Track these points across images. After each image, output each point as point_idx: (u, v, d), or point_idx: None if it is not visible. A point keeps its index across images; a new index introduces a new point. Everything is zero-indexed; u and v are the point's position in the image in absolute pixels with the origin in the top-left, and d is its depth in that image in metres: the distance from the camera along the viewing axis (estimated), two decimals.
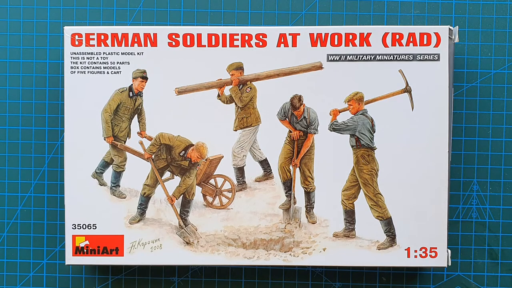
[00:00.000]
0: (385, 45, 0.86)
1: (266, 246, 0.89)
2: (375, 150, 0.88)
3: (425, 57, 0.86)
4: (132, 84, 0.88)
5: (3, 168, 0.94)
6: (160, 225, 0.89)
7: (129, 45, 0.87)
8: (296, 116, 0.89)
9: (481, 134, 0.93)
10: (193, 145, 0.89)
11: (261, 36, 0.87)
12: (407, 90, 0.87)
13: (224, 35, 0.87)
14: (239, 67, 0.88)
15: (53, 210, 0.95)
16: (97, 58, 0.87)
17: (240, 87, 0.90)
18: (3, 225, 0.95)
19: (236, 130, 0.90)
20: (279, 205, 0.90)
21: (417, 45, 0.86)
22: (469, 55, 0.93)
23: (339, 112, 0.88)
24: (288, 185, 0.91)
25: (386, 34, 0.86)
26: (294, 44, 0.87)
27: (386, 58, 0.87)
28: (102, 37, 0.87)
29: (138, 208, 0.89)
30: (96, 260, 0.88)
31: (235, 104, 0.90)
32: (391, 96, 0.87)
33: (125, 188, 0.90)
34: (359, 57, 0.87)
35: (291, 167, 0.90)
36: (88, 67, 0.87)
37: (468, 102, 0.93)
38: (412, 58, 0.86)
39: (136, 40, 0.87)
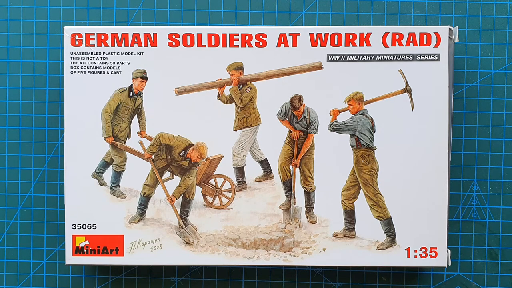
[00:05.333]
0: (385, 45, 0.86)
1: (266, 246, 0.89)
2: (375, 150, 0.88)
3: (425, 57, 0.86)
4: (132, 84, 0.88)
5: (3, 168, 0.94)
6: (160, 225, 0.89)
7: (129, 45, 0.87)
8: (296, 116, 0.89)
9: (481, 134, 0.93)
10: (193, 145, 0.89)
11: (261, 36, 0.87)
12: (407, 90, 0.87)
13: (224, 35, 0.87)
14: (239, 67, 0.88)
15: (53, 210, 0.95)
16: (97, 58, 0.87)
17: (240, 87, 0.90)
18: (3, 225, 0.95)
19: (236, 130, 0.90)
20: (279, 205, 0.90)
21: (417, 45, 0.86)
22: (469, 55, 0.93)
23: (339, 112, 0.88)
24: (288, 185, 0.91)
25: (386, 34, 0.86)
26: (294, 44, 0.87)
27: (386, 58, 0.87)
28: (102, 37, 0.87)
29: (138, 208, 0.89)
30: (96, 260, 0.88)
31: (235, 104, 0.90)
32: (391, 96, 0.87)
33: (125, 188, 0.90)
34: (359, 57, 0.87)
35: (291, 167, 0.90)
36: (88, 67, 0.87)
37: (468, 102, 0.93)
38: (412, 58, 0.87)
39: (136, 40, 0.87)
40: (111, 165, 0.90)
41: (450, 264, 0.88)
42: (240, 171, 0.91)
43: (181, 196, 0.90)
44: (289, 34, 0.87)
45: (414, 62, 0.86)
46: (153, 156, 0.90)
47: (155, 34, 0.87)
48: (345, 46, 0.87)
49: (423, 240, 0.87)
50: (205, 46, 0.87)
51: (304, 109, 0.88)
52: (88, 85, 0.87)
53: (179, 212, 0.90)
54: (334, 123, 0.88)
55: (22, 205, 0.95)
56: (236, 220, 0.89)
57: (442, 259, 0.87)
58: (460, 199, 0.94)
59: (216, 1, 0.94)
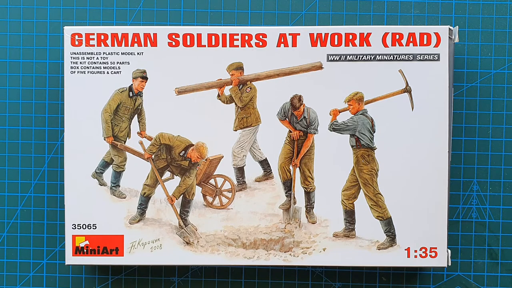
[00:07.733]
0: (385, 45, 0.86)
1: (266, 246, 0.89)
2: (375, 150, 0.88)
3: (425, 57, 0.86)
4: (132, 84, 0.88)
5: (3, 168, 0.94)
6: (160, 225, 0.89)
7: (129, 45, 0.87)
8: (296, 116, 0.89)
9: (481, 134, 0.93)
10: (193, 145, 0.89)
11: (261, 36, 0.87)
12: (407, 90, 0.87)
13: (224, 35, 0.87)
14: (239, 67, 0.88)
15: (53, 210, 0.95)
16: (97, 58, 0.87)
17: (240, 87, 0.90)
18: (3, 225, 0.95)
19: (236, 130, 0.90)
20: (279, 205, 0.90)
21: (417, 45, 0.86)
22: (469, 55, 0.93)
23: (339, 112, 0.88)
24: (288, 185, 0.91)
25: (386, 34, 0.86)
26: (294, 44, 0.87)
27: (386, 58, 0.87)
28: (102, 37, 0.87)
29: (138, 208, 0.89)
30: (96, 260, 0.88)
31: (235, 104, 0.90)
32: (391, 96, 0.87)
33: (125, 188, 0.90)
34: (359, 57, 0.87)
35: (291, 167, 0.90)
36: (88, 67, 0.87)
37: (468, 102, 0.93)
38: (412, 58, 0.86)
39: (136, 40, 0.87)
40: (111, 165, 0.90)
41: (450, 264, 0.88)
42: (240, 171, 0.91)
43: (181, 196, 0.90)
44: (289, 34, 0.87)
45: (414, 62, 0.86)
46: (153, 156, 0.90)
47: (155, 34, 0.87)
48: (345, 46, 0.87)
49: (423, 240, 0.87)
50: (205, 46, 0.87)
51: (304, 109, 0.88)
52: (88, 85, 0.87)
53: (179, 212, 0.90)
54: (334, 123, 0.88)
55: (22, 205, 0.95)
56: (236, 220, 0.89)
57: (442, 259, 0.87)
58: (460, 199, 0.94)
59: (216, 1, 0.94)
